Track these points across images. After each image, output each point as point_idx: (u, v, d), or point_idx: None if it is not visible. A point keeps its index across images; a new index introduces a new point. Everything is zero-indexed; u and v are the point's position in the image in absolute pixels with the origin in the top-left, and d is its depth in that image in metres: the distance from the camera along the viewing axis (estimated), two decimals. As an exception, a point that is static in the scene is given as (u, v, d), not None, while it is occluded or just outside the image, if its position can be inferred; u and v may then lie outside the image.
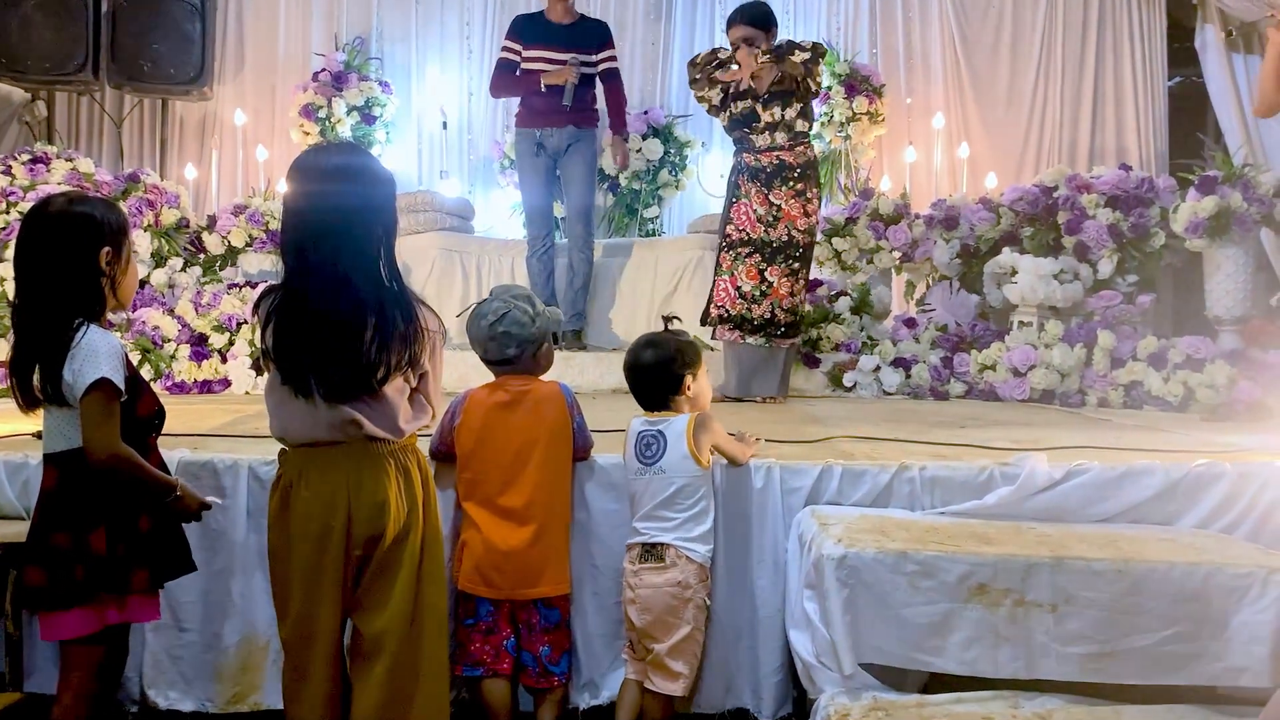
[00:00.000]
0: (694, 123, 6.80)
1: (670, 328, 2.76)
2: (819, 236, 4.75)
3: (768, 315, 4.40)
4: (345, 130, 6.63)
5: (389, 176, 2.16)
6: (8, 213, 5.17)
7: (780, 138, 4.40)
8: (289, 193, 2.09)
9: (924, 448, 3.03)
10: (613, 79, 5.44)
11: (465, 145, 7.11)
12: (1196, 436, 3.43)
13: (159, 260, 5.47)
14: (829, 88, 6.53)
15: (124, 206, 5.27)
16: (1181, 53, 6.78)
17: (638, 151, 6.59)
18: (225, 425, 3.42)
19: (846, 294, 5.30)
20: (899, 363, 4.96)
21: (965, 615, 2.28)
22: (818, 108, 6.10)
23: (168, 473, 2.20)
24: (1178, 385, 4.43)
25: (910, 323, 5.23)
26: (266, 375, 2.13)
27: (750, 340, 4.42)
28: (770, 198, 4.40)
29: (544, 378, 2.69)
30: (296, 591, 2.09)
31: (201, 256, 5.63)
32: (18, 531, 2.28)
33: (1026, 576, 2.28)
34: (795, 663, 2.50)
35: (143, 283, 5.28)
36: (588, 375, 4.91)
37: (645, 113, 6.74)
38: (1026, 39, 6.91)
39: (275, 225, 5.46)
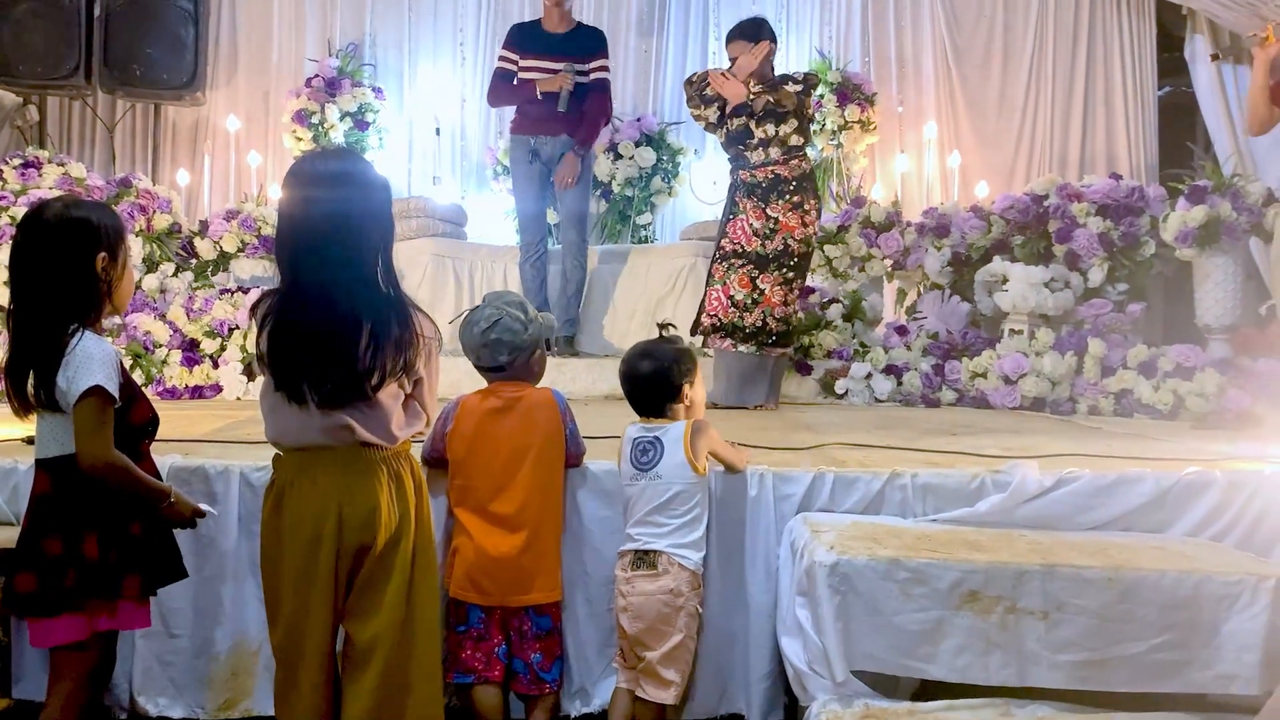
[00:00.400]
0: (686, 130, 6.82)
1: (666, 335, 2.77)
2: (814, 243, 4.75)
3: (759, 323, 4.40)
4: (338, 136, 6.63)
5: (384, 182, 2.16)
6: (-1, 217, 5.16)
7: (774, 153, 4.42)
8: (285, 198, 2.09)
9: (916, 455, 3.03)
10: (599, 89, 5.36)
11: (458, 151, 7.11)
12: (1186, 445, 3.45)
13: (151, 265, 5.47)
14: (821, 96, 6.55)
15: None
16: (1171, 63, 6.82)
17: (630, 158, 6.59)
18: (217, 431, 3.41)
19: (839, 301, 5.31)
20: (891, 370, 4.97)
21: (957, 622, 2.29)
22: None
23: (160, 480, 2.20)
24: (1168, 393, 4.45)
25: (902, 330, 5.25)
26: (261, 380, 2.13)
27: (742, 348, 4.42)
28: (767, 211, 4.41)
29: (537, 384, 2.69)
30: (287, 597, 2.09)
31: (193, 262, 5.63)
32: (7, 537, 2.27)
33: (1018, 584, 2.28)
34: (787, 670, 2.50)
35: (135, 288, 5.27)
36: (580, 382, 4.91)
37: (638, 120, 6.76)
38: (1018, 48, 6.95)
39: (268, 230, 5.45)
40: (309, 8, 7.07)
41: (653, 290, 5.71)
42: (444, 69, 7.11)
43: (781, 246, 4.41)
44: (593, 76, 5.35)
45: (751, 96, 4.36)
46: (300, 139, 6.59)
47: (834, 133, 6.64)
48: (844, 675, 2.29)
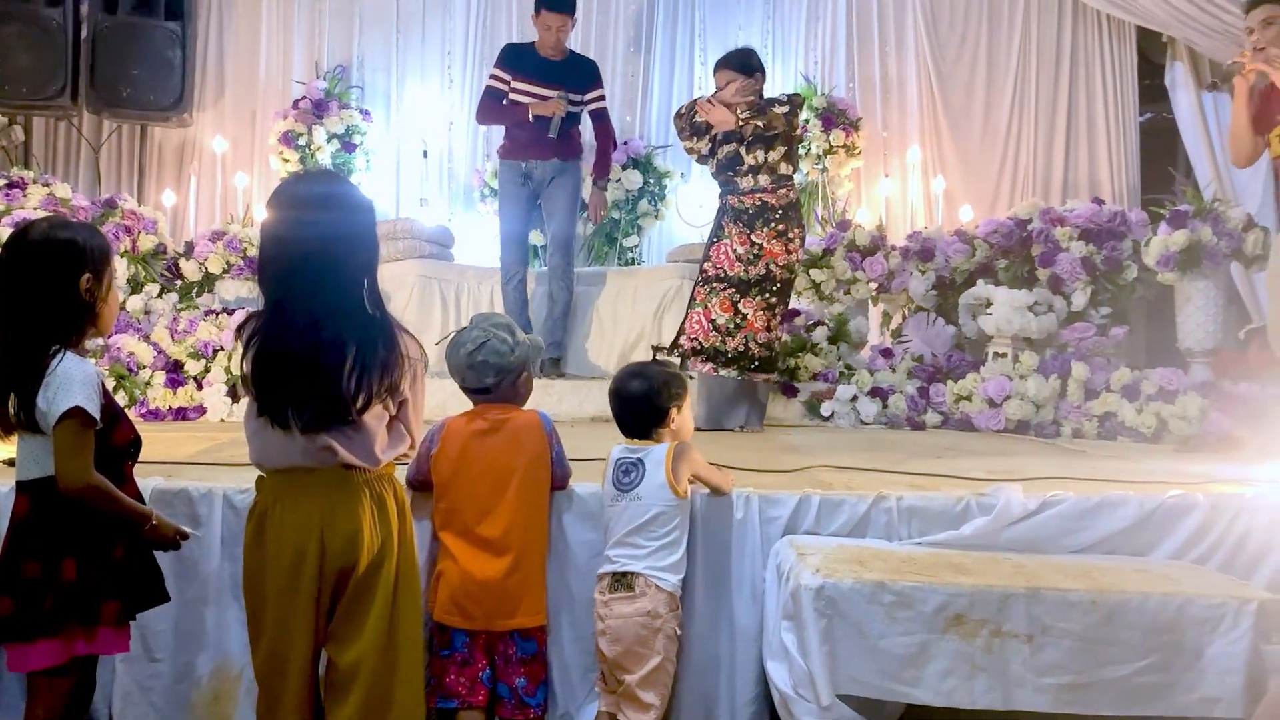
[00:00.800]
0: (673, 153, 6.84)
1: (658, 359, 2.77)
2: (797, 270, 4.78)
3: (741, 348, 4.41)
4: (325, 158, 6.63)
5: (369, 204, 2.16)
6: (-17, 237, 5.14)
7: (764, 180, 4.44)
8: (269, 220, 2.09)
9: (901, 478, 3.04)
10: (602, 119, 5.44)
11: (445, 173, 7.12)
12: (1169, 467, 3.46)
13: (135, 286, 5.45)
14: (806, 120, 6.59)
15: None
16: (1152, 89, 6.90)
17: (617, 181, 6.62)
18: (200, 453, 3.39)
19: (824, 324, 5.33)
20: (876, 392, 4.98)
21: (942, 646, 2.29)
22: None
23: (143, 502, 2.18)
24: (1151, 416, 4.47)
25: (887, 353, 5.27)
26: (245, 401, 2.12)
27: (724, 372, 4.42)
28: (752, 237, 4.43)
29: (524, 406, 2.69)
30: (269, 620, 2.08)
31: (178, 283, 5.61)
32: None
33: (1002, 607, 2.29)
34: (773, 694, 2.49)
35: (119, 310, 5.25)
36: (566, 404, 4.91)
37: (625, 143, 6.78)
38: (1001, 74, 7.01)
39: (253, 252, 5.44)
40: (297, 30, 7.08)
41: (639, 312, 5.71)
42: (431, 91, 7.13)
43: (764, 272, 4.42)
44: (593, 107, 5.38)
45: (740, 123, 4.38)
46: (287, 160, 6.60)
47: (819, 157, 6.68)
48: (829, 699, 2.28)
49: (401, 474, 2.38)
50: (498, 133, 5.66)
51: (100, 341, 4.76)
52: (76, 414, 1.96)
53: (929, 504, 2.75)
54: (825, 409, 4.96)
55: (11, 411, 2.01)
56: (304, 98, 6.73)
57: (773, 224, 4.43)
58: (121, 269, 5.35)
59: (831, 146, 6.65)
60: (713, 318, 4.43)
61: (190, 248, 5.66)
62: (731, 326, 4.41)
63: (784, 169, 4.46)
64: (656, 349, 2.84)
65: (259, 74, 7.08)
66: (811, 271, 5.64)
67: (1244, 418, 4.14)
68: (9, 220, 5.07)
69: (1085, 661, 2.27)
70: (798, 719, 2.33)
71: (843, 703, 2.29)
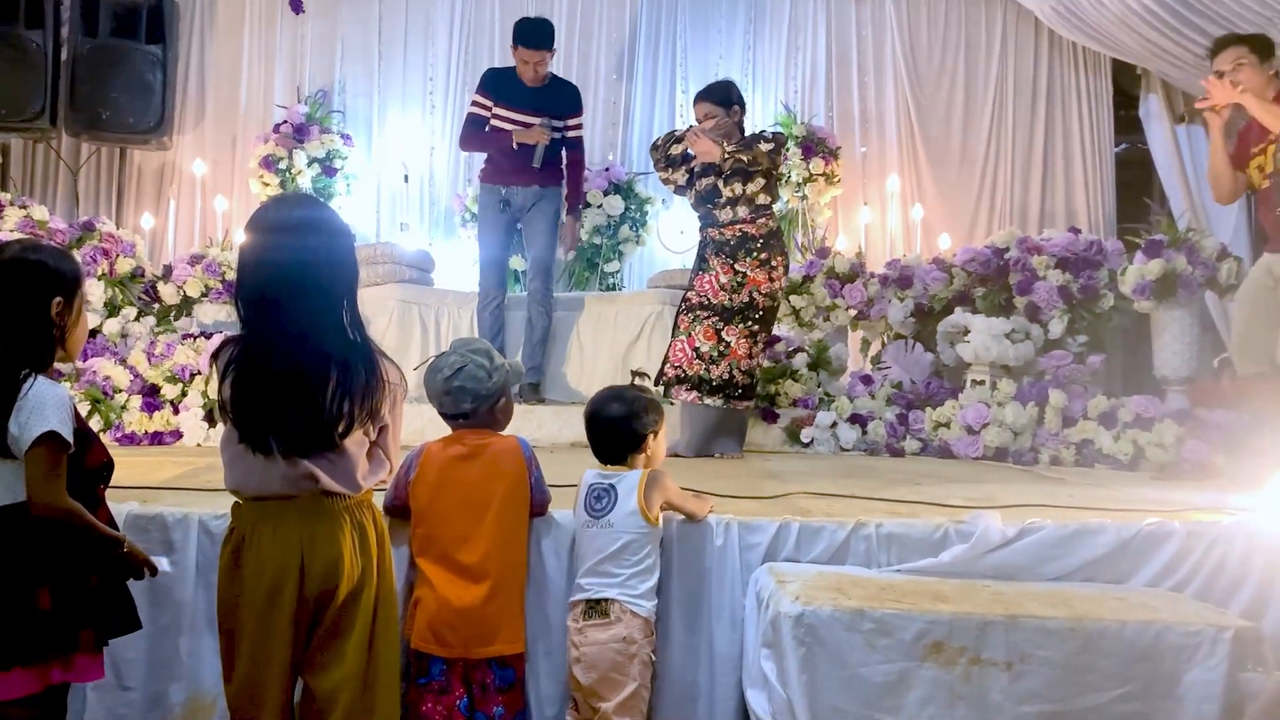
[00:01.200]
0: (654, 180, 6.85)
1: (637, 383, 2.77)
2: (780, 298, 4.79)
3: (726, 376, 4.41)
4: (305, 182, 6.63)
5: (347, 229, 2.16)
6: (-42, 259, 5.08)
7: (742, 211, 4.46)
8: (247, 245, 2.08)
9: (880, 505, 3.04)
10: (577, 148, 5.44)
11: (426, 198, 7.13)
12: (1146, 495, 3.48)
13: (112, 310, 5.40)
14: (787, 149, 6.63)
15: (78, 255, 5.21)
16: (1127, 120, 7.00)
17: (598, 207, 6.65)
18: (176, 478, 3.36)
19: (804, 350, 5.35)
20: (855, 419, 4.99)
21: (921, 674, 2.29)
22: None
23: (115, 525, 2.16)
24: (1128, 444, 4.50)
25: (866, 379, 5.28)
26: (222, 427, 2.10)
27: (709, 401, 4.43)
28: (736, 266, 4.45)
29: (503, 432, 2.68)
30: (245, 649, 2.05)
31: (156, 306, 5.57)
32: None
33: (981, 635, 2.29)
34: (752, 722, 2.48)
35: (95, 332, 5.20)
36: (546, 429, 4.90)
37: (606, 169, 6.82)
38: (978, 104, 7.10)
39: (232, 275, 5.41)
40: (279, 54, 7.10)
41: (620, 338, 5.72)
42: (413, 117, 7.14)
43: (747, 300, 4.44)
44: (572, 134, 5.39)
45: (725, 157, 4.40)
46: (267, 184, 6.58)
47: (799, 185, 6.73)
48: (809, 728, 2.27)
49: (379, 500, 2.37)
50: (479, 157, 5.67)
51: (74, 365, 4.71)
52: (51, 438, 1.94)
53: (908, 531, 2.75)
54: (805, 435, 4.97)
55: (-19, 436, 1.98)
56: (285, 122, 6.73)
57: (755, 253, 4.44)
58: (99, 292, 5.31)
59: (811, 175, 6.70)
60: (696, 345, 4.44)
61: (168, 271, 5.63)
62: (715, 354, 4.42)
63: (762, 199, 4.48)
64: (636, 373, 2.83)
65: (240, 98, 7.09)
66: (791, 298, 5.68)
67: (1220, 445, 4.18)
68: (-15, 242, 5.02)
69: (1064, 689, 2.27)
70: (777, 748, 2.31)
71: (822, 731, 2.28)
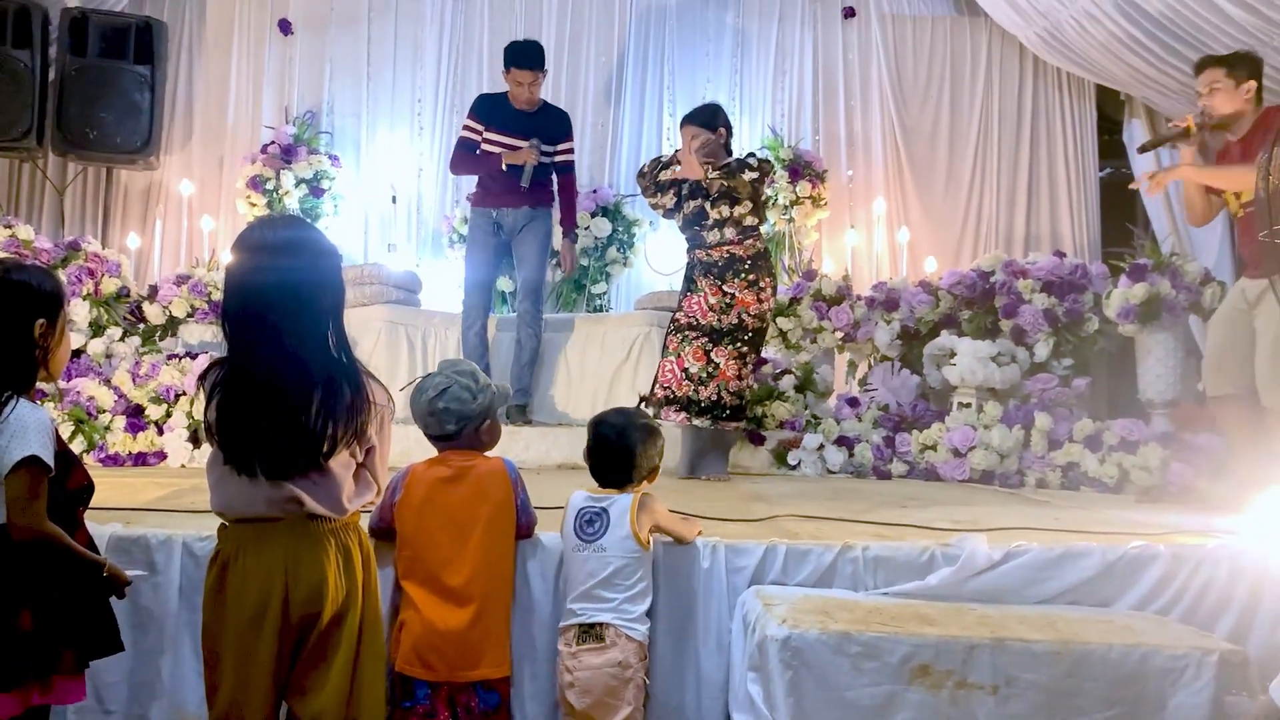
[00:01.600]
0: (642, 202, 6.87)
1: (644, 410, 2.77)
2: (769, 319, 4.81)
3: (714, 397, 4.42)
4: (293, 202, 6.62)
5: (334, 249, 2.16)
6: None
7: (729, 233, 4.48)
8: (233, 266, 2.08)
9: (867, 527, 3.04)
10: (568, 172, 5.48)
11: (414, 219, 7.13)
12: (1132, 518, 3.49)
13: (97, 330, 5.38)
14: (774, 171, 6.67)
15: (63, 275, 5.19)
16: (1112, 144, 7.07)
17: (586, 229, 6.66)
18: (160, 499, 3.34)
19: (791, 372, 5.36)
20: (842, 441, 5.00)
21: (908, 697, 2.28)
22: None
23: (95, 548, 2.14)
24: (1113, 467, 4.52)
25: (853, 402, 5.29)
26: (208, 448, 2.10)
27: (697, 422, 4.43)
28: (724, 288, 4.46)
29: (489, 453, 2.67)
30: (229, 671, 2.04)
31: (141, 326, 5.55)
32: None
33: (968, 658, 2.29)
34: (738, 746, 2.47)
35: (79, 352, 5.18)
36: (533, 450, 4.89)
37: (594, 191, 6.84)
38: (964, 129, 7.16)
39: (218, 295, 5.40)
40: (267, 75, 7.11)
41: (607, 360, 5.72)
42: (401, 138, 7.15)
43: (736, 321, 4.45)
44: (561, 159, 5.42)
45: (708, 180, 4.42)
46: (254, 205, 6.57)
47: (786, 208, 6.76)
48: (796, 752, 2.26)
49: (364, 522, 2.35)
50: (468, 180, 5.68)
51: (56, 385, 4.69)
52: (33, 462, 1.93)
53: (895, 554, 2.75)
54: (792, 458, 4.98)
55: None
56: (273, 142, 6.73)
57: (743, 274, 4.46)
58: (84, 311, 5.29)
59: (798, 197, 6.74)
60: (685, 366, 4.44)
61: (154, 291, 5.62)
62: (704, 375, 4.42)
63: (749, 221, 4.50)
64: (644, 399, 2.82)
65: (228, 118, 7.09)
66: (779, 320, 5.69)
67: (1204, 468, 4.19)
68: (-31, 261, 5.00)
69: (1050, 713, 2.27)
70: (764, 772, 2.30)
71: (809, 755, 2.27)
